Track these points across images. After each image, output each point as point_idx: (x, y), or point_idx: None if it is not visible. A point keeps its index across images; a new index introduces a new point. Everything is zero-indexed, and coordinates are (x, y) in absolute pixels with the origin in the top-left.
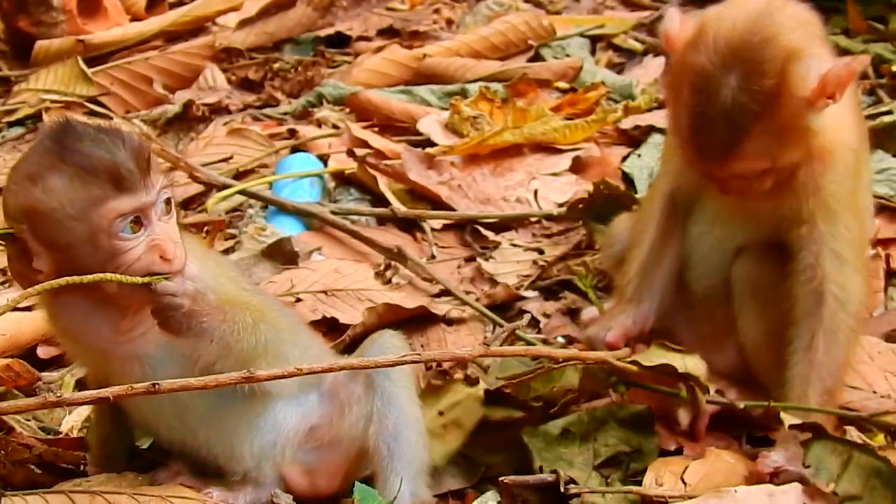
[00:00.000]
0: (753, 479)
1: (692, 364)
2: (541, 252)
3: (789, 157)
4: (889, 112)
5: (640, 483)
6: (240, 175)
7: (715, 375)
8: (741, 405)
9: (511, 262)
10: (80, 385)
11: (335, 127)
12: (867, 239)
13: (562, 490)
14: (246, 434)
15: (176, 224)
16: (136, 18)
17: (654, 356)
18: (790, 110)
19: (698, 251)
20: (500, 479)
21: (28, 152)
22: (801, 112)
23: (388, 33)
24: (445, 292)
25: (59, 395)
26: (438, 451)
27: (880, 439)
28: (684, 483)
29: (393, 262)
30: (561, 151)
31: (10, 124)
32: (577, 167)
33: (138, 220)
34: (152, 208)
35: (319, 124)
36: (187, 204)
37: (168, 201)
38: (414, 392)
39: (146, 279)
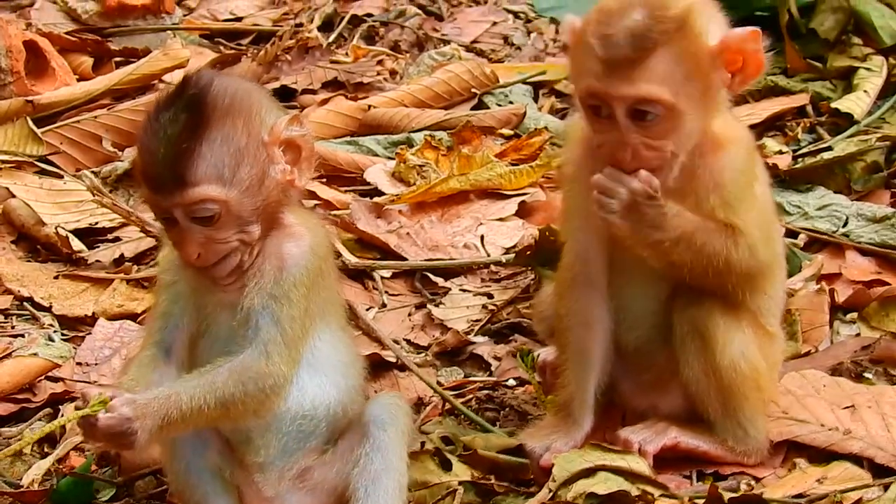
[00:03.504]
0: None
1: (634, 463)
2: (490, 297)
3: (693, 106)
4: (829, 149)
5: None
6: None
7: (662, 418)
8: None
9: (461, 308)
10: (40, 440)
11: None
12: (775, 229)
13: None
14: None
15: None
16: (83, 78)
17: (589, 457)
18: (695, 47)
19: (624, 305)
20: None
21: None
22: (706, 59)
23: (333, 85)
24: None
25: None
26: None
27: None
28: None
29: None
30: (507, 197)
31: None
32: (524, 212)
33: None
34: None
35: None
36: (140, 258)
37: None
38: (404, 448)
39: (86, 411)
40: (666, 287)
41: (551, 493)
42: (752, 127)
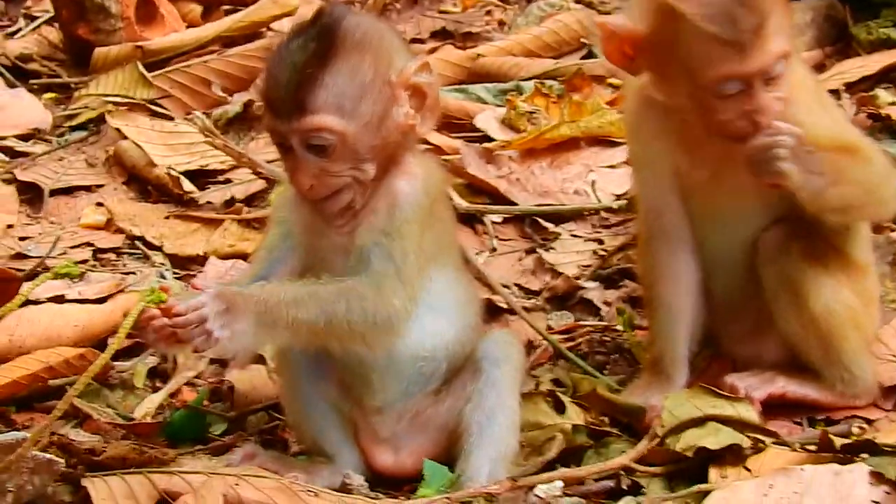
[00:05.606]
0: (816, 461)
1: (744, 411)
2: (600, 242)
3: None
4: None
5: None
6: None
7: (765, 367)
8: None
9: (571, 253)
10: (152, 374)
11: None
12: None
13: (624, 487)
14: (382, 362)
15: None
16: (191, 25)
17: (698, 402)
18: None
19: (710, 257)
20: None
21: None
22: None
23: (441, 35)
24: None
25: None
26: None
27: None
28: (749, 471)
29: None
30: (617, 144)
31: (73, 128)
32: None
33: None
34: None
35: None
36: (251, 200)
37: None
38: (517, 385)
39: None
40: (750, 237)
41: (659, 439)
42: (864, 79)
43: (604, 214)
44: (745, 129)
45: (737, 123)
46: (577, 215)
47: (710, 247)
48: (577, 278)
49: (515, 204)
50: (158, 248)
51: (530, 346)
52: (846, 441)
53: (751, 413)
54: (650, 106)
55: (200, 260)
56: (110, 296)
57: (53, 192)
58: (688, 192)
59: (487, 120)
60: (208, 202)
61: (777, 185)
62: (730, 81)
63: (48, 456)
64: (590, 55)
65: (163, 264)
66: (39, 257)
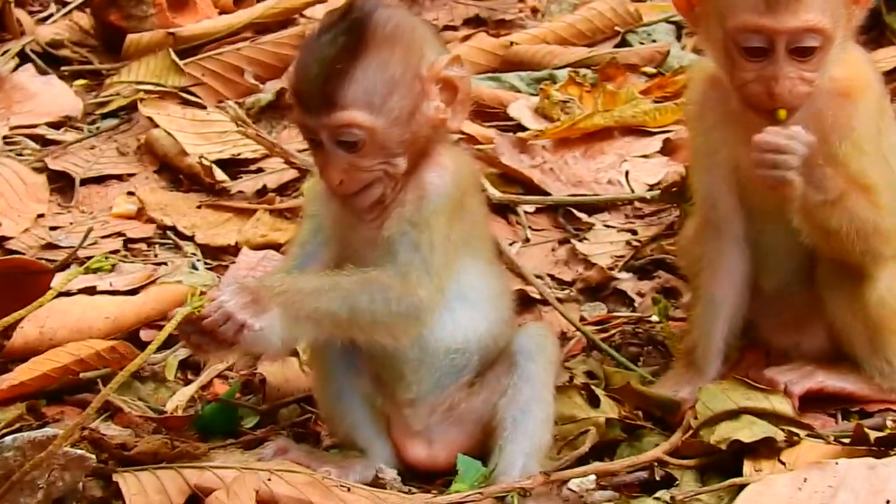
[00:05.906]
0: (850, 454)
1: (778, 404)
2: (634, 233)
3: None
4: None
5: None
6: None
7: (804, 358)
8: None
9: (605, 243)
10: (183, 366)
11: None
12: None
13: (657, 478)
14: (414, 355)
15: None
16: (224, 12)
17: (732, 395)
18: None
19: (763, 249)
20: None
21: None
22: None
23: (474, 22)
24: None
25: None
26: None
27: None
28: (783, 464)
29: None
30: (651, 134)
31: (104, 116)
32: (668, 149)
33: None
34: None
35: None
36: (283, 189)
37: None
38: (551, 379)
39: (187, 310)
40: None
41: (693, 431)
42: None
43: (637, 205)
44: (759, 96)
45: (753, 87)
46: (610, 205)
47: (763, 240)
48: (611, 269)
49: (549, 194)
50: (190, 238)
51: (563, 337)
52: (880, 434)
53: (785, 406)
54: (712, 95)
55: (232, 250)
56: (142, 287)
57: (84, 181)
58: (744, 184)
59: (521, 109)
60: (240, 191)
61: (776, 189)
62: (752, 34)
63: (80, 452)
64: (624, 43)
65: (194, 254)
66: (70, 247)
